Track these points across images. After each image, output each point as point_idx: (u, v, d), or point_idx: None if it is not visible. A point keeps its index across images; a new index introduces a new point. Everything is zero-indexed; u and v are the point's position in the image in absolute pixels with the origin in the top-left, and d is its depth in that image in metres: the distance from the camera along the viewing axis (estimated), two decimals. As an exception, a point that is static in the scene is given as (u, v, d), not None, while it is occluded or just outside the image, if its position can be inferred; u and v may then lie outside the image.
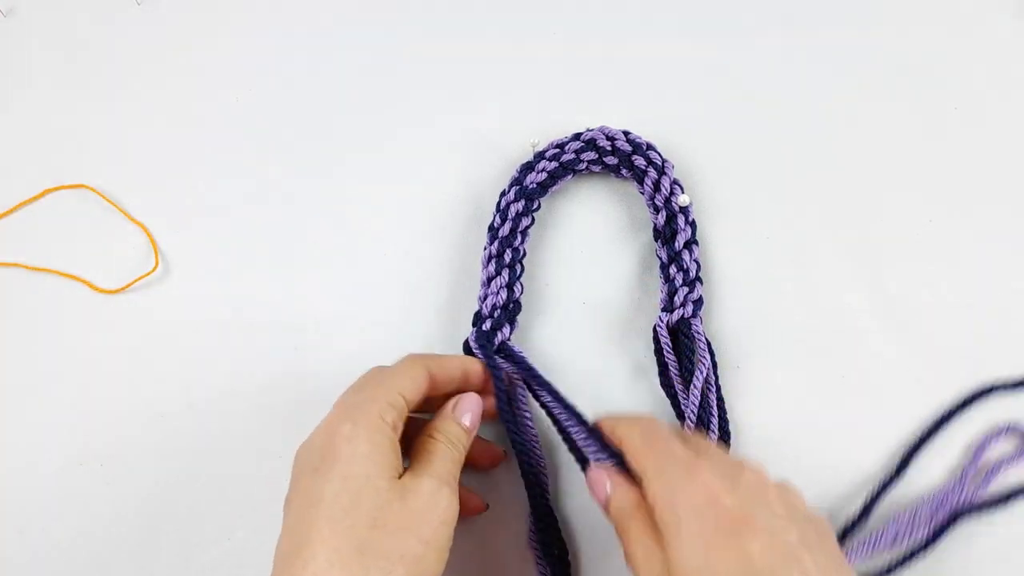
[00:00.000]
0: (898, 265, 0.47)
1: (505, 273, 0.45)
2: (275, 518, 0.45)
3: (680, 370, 0.44)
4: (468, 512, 0.42)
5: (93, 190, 0.49)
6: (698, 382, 0.42)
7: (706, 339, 0.44)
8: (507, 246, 0.45)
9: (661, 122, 0.49)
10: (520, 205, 0.46)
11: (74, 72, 0.51)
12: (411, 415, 0.39)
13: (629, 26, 0.52)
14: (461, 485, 0.39)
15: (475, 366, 0.42)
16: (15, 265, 0.48)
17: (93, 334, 0.47)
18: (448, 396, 0.41)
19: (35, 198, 0.49)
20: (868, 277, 0.47)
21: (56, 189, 0.49)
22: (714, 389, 0.43)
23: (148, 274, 0.48)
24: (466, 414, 0.40)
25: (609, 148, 0.47)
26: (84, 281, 0.48)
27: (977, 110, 0.50)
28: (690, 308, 0.44)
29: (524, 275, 0.46)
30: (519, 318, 0.45)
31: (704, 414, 0.43)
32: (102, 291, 0.48)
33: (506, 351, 0.43)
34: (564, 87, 0.51)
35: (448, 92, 0.51)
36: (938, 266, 0.47)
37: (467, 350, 0.44)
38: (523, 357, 0.43)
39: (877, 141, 0.50)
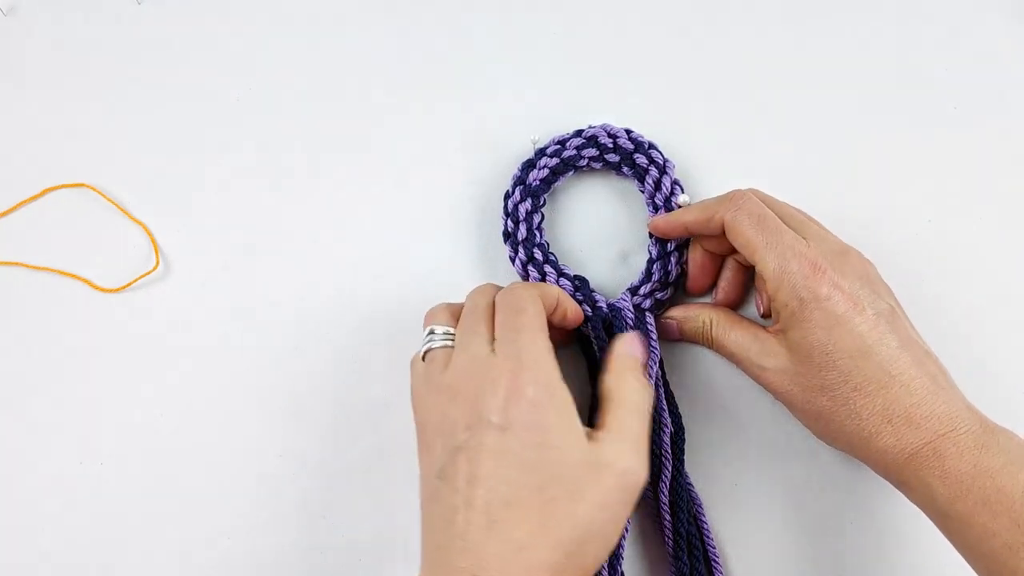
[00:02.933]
0: (897, 265, 0.47)
1: (550, 269, 0.45)
2: (275, 518, 0.45)
3: None
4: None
5: (93, 189, 0.49)
6: (651, 373, 0.43)
7: (656, 336, 0.44)
8: (532, 247, 0.45)
9: (662, 122, 0.49)
10: (528, 204, 0.46)
11: (74, 72, 0.51)
12: None
13: (631, 25, 0.52)
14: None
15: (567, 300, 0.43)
16: (15, 265, 0.48)
17: (93, 334, 0.47)
18: None
19: (35, 197, 0.49)
20: (868, 277, 0.47)
21: (56, 188, 0.49)
22: (661, 385, 0.44)
23: (148, 273, 0.48)
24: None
25: (611, 145, 0.47)
26: (84, 281, 0.48)
27: (977, 110, 0.50)
28: (649, 303, 0.45)
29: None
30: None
31: (657, 403, 0.43)
32: (102, 291, 0.48)
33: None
34: (565, 86, 0.51)
35: (450, 91, 0.51)
36: (937, 266, 0.48)
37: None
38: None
39: (877, 141, 0.49)
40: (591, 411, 0.43)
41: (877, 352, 0.37)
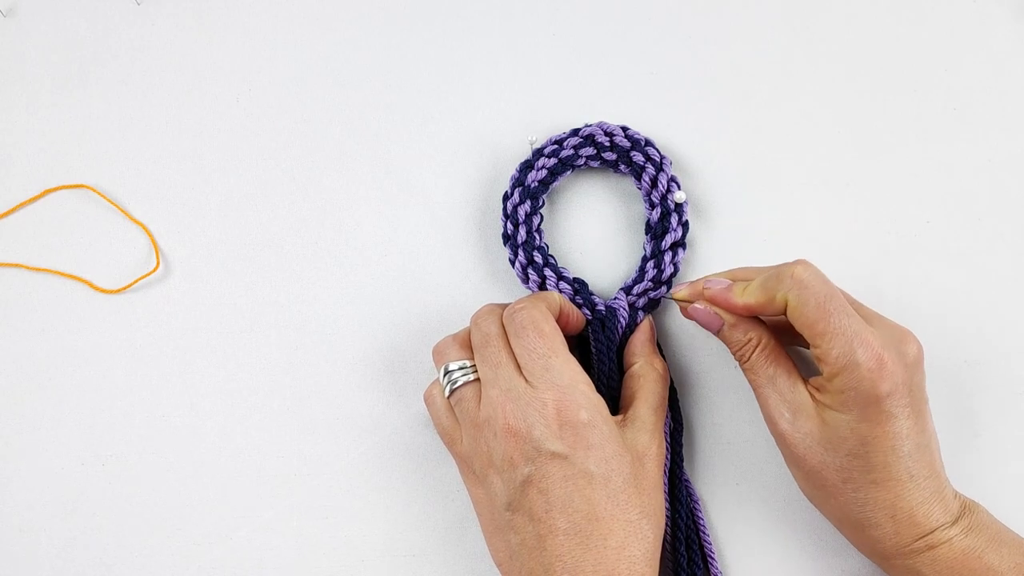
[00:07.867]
0: (896, 266, 0.47)
1: (550, 273, 0.45)
2: (275, 518, 0.45)
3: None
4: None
5: (93, 190, 0.49)
6: None
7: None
8: (532, 249, 0.45)
9: (659, 121, 0.49)
10: (527, 206, 0.46)
11: (74, 72, 0.51)
12: None
13: (627, 24, 0.52)
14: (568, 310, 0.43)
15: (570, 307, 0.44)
16: (15, 265, 0.48)
17: (93, 334, 0.47)
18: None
19: (35, 198, 0.49)
20: (866, 278, 0.47)
21: (56, 189, 0.49)
22: None
23: (149, 274, 0.48)
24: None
25: (607, 144, 0.47)
26: (84, 281, 0.48)
27: (977, 110, 0.50)
28: (642, 302, 0.45)
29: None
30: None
31: None
32: (102, 291, 0.48)
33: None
34: (562, 86, 0.51)
35: (447, 91, 0.51)
36: (936, 267, 0.48)
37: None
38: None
39: (876, 141, 0.49)
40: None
41: (907, 453, 0.37)
